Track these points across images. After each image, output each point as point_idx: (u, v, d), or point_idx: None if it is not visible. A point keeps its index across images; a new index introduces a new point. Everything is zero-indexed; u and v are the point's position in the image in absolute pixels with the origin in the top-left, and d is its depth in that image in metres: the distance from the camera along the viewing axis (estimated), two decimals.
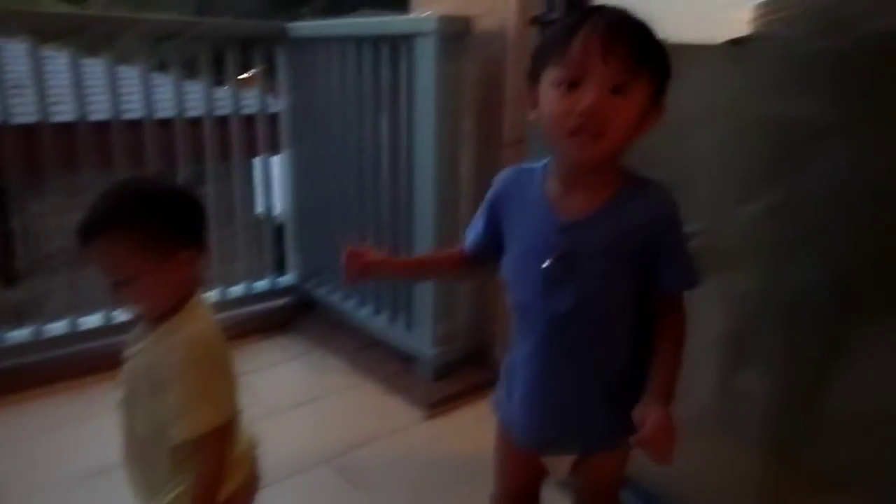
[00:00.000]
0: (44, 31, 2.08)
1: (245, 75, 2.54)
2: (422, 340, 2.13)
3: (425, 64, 1.90)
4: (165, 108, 2.33)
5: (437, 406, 2.02)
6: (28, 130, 2.08)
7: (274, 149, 2.63)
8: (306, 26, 2.50)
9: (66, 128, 2.15)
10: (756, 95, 1.47)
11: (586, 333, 0.99)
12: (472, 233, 1.11)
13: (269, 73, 2.56)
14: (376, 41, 2.09)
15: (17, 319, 2.20)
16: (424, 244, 2.04)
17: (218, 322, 1.02)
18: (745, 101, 1.48)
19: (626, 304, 0.99)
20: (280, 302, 2.66)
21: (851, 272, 1.32)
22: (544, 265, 0.96)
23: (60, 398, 2.01)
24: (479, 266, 1.13)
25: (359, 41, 2.15)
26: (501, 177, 1.07)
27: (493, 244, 1.07)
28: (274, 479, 1.08)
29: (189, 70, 2.44)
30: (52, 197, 2.18)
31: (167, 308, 0.98)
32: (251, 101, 2.50)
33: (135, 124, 2.24)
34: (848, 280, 1.34)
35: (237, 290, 2.56)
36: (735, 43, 1.46)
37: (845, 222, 1.30)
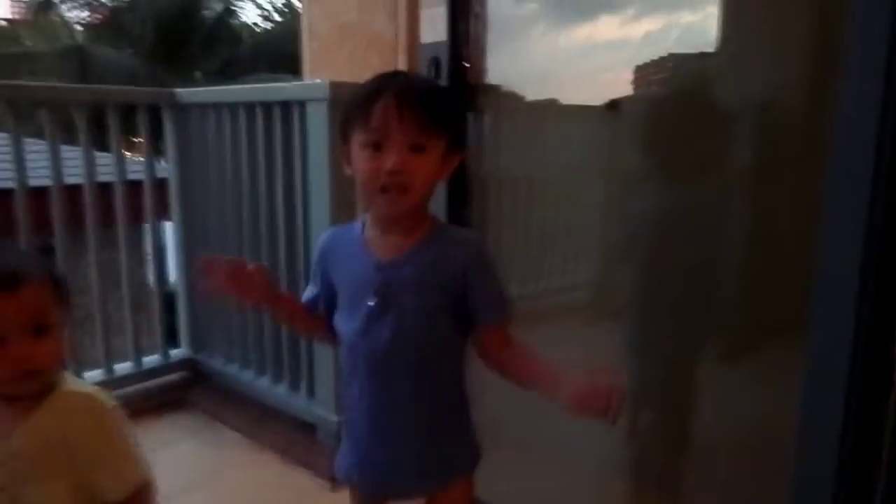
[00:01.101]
0: None
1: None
2: (324, 407, 2.06)
3: (317, 129, 1.91)
4: (43, 175, 2.20)
5: None
6: None
7: (165, 215, 2.53)
8: (196, 92, 2.46)
9: None
10: (625, 152, 1.58)
11: (406, 368, 1.06)
12: (308, 290, 1.18)
13: (157, 138, 2.49)
14: (268, 106, 2.08)
15: None
16: None
17: None
18: (618, 158, 1.59)
19: (444, 341, 1.08)
20: (173, 377, 2.52)
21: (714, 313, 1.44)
22: (370, 303, 1.04)
23: None
24: (317, 320, 1.17)
25: (250, 106, 2.14)
26: (322, 238, 1.17)
27: (326, 298, 1.14)
28: None
29: (71, 135, 2.33)
30: None
31: (52, 378, 0.94)
32: (137, 167, 2.41)
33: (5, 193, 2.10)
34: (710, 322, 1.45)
35: (125, 366, 2.40)
36: (612, 107, 1.56)
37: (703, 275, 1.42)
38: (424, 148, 0.98)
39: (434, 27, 1.77)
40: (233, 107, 2.19)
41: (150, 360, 2.49)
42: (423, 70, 1.76)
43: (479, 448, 1.17)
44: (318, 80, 1.99)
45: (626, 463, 1.60)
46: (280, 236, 2.13)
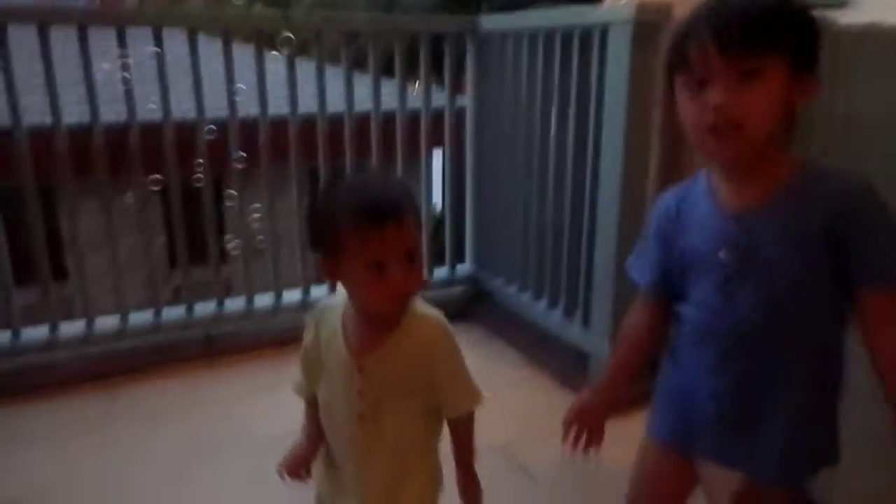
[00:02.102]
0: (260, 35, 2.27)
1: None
2: (598, 339, 2.08)
3: (618, 55, 1.84)
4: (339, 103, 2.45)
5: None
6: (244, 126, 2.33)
7: (452, 142, 2.69)
8: (497, 20, 2.51)
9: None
10: None
11: (774, 339, 0.93)
12: (648, 268, 1.07)
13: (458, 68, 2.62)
14: (566, 33, 2.06)
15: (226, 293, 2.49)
16: (606, 243, 1.98)
17: None
18: None
19: (817, 309, 0.92)
20: (457, 290, 2.74)
21: None
22: (721, 255, 0.93)
23: (263, 364, 2.25)
24: (665, 310, 1.08)
25: (549, 34, 2.14)
26: (663, 201, 1.05)
27: (669, 273, 1.04)
28: (444, 460, 1.10)
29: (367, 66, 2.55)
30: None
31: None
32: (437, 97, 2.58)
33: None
34: None
35: None
36: None
37: None
38: (758, 73, 0.84)
39: None
40: (532, 34, 2.21)
41: (439, 272, 2.73)
42: None
43: (837, 448, 1.00)
44: (623, 2, 1.90)
45: None
46: (567, 168, 2.14)
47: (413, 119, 2.55)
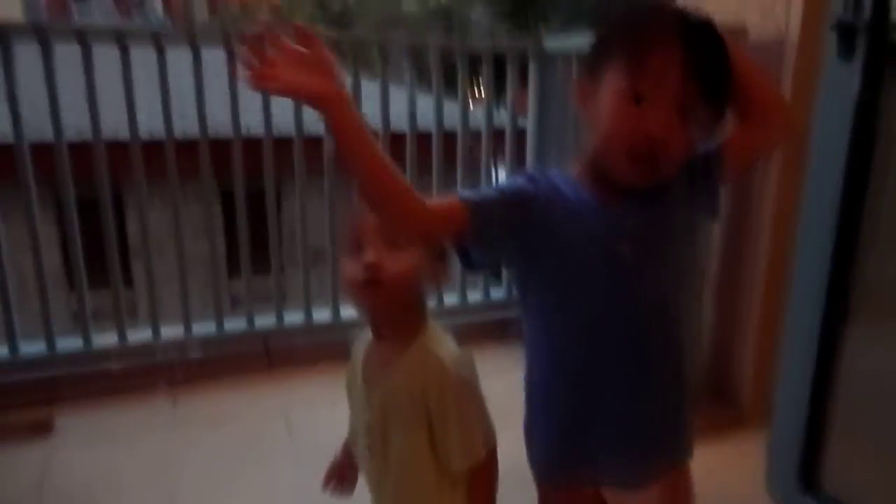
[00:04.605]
0: None
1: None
2: None
3: None
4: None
5: None
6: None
7: (512, 162, 2.68)
8: (560, 40, 2.50)
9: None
10: None
11: (668, 322, 0.90)
12: (483, 197, 0.86)
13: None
14: None
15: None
16: None
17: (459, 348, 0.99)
18: None
19: (693, 280, 0.98)
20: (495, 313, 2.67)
21: None
22: (623, 254, 0.85)
23: (320, 377, 2.24)
24: (436, 233, 0.87)
25: None
26: (541, 176, 0.90)
27: (498, 233, 0.85)
28: (503, 478, 1.04)
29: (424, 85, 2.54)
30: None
31: (406, 317, 0.96)
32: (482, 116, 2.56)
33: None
34: None
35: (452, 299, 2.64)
36: None
37: None
38: (693, 115, 0.79)
39: None
40: None
41: (497, 292, 2.73)
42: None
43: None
44: None
45: None
46: None
47: (473, 137, 2.55)
